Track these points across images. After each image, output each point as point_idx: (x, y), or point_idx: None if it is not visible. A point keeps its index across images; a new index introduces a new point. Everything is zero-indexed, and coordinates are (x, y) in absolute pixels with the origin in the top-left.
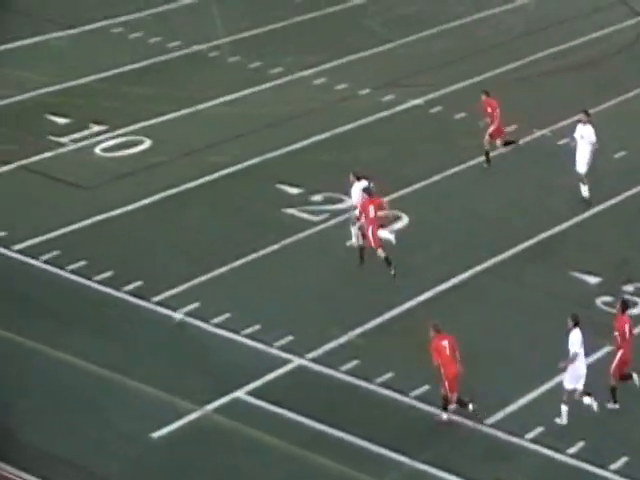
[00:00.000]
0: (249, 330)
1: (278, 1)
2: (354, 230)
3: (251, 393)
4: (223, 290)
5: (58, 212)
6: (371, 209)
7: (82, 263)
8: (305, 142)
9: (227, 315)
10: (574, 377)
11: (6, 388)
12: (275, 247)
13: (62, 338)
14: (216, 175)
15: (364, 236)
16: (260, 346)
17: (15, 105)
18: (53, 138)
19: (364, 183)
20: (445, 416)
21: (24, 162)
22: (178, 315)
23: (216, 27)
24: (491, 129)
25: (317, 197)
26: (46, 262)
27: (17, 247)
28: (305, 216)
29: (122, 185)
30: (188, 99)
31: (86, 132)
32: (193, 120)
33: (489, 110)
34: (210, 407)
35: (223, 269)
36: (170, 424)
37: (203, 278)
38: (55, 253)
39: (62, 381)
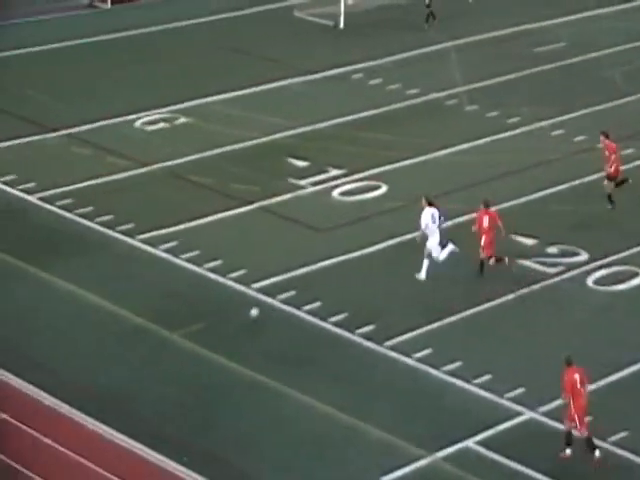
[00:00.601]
0: (480, 380)
1: (516, 51)
2: (425, 263)
3: (481, 443)
4: (455, 338)
5: (295, 253)
6: (485, 220)
7: (317, 304)
8: (541, 193)
9: (458, 363)
10: None
11: (234, 421)
12: (509, 298)
13: (294, 377)
14: (451, 223)
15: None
16: (491, 396)
17: (258, 147)
18: (292, 180)
19: (434, 209)
20: (568, 451)
21: (264, 203)
22: (254, 311)
23: (455, 75)
24: (610, 171)
25: (552, 249)
26: (282, 301)
27: (255, 286)
28: (540, 268)
29: (358, 229)
30: (425, 146)
31: (324, 176)
32: (429, 167)
33: (607, 153)
34: (440, 455)
35: (456, 317)
36: (399, 469)
37: (436, 325)
38: (291, 293)
39: (292, 420)
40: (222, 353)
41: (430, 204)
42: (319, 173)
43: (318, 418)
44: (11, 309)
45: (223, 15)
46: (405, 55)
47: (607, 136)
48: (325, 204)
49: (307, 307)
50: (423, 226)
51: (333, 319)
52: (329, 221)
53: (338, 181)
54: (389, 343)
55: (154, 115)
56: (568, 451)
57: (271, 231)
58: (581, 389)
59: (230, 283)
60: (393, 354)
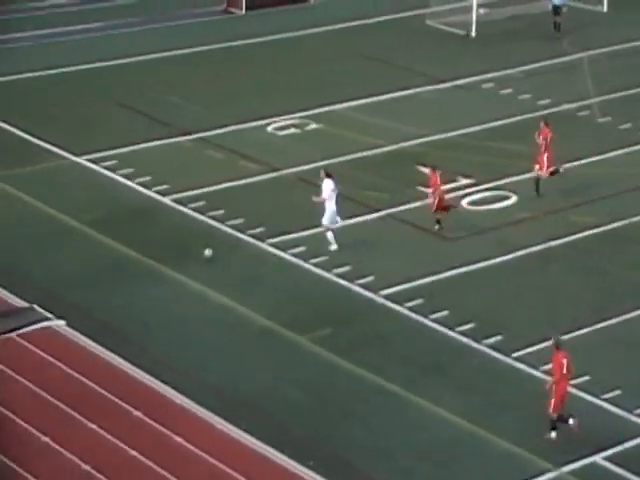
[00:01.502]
0: (609, 394)
1: None
2: (329, 235)
3: (609, 459)
4: (584, 352)
5: (423, 261)
6: (437, 181)
7: (445, 313)
8: None
9: (586, 378)
10: None
11: (360, 427)
12: (637, 313)
13: (419, 384)
14: (580, 235)
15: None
16: (620, 412)
17: (387, 154)
18: (421, 189)
19: (331, 181)
20: (554, 434)
21: (392, 210)
22: (208, 251)
23: (587, 86)
24: (540, 158)
25: None
26: (410, 309)
27: (384, 292)
28: None
29: (486, 239)
30: (555, 158)
31: (453, 184)
32: (559, 179)
33: (541, 139)
34: (566, 469)
35: (583, 331)
36: None
37: (563, 338)
38: (419, 301)
39: (418, 427)
40: (349, 358)
41: (328, 175)
42: (448, 182)
43: (443, 426)
44: (143, 309)
45: (355, 22)
46: (536, 65)
47: (546, 123)
48: (453, 213)
49: (434, 316)
50: (324, 196)
51: (460, 328)
52: (457, 230)
53: (467, 190)
54: (516, 354)
55: (286, 120)
56: (553, 434)
57: (399, 239)
58: (566, 374)
59: (358, 289)
60: (520, 365)
